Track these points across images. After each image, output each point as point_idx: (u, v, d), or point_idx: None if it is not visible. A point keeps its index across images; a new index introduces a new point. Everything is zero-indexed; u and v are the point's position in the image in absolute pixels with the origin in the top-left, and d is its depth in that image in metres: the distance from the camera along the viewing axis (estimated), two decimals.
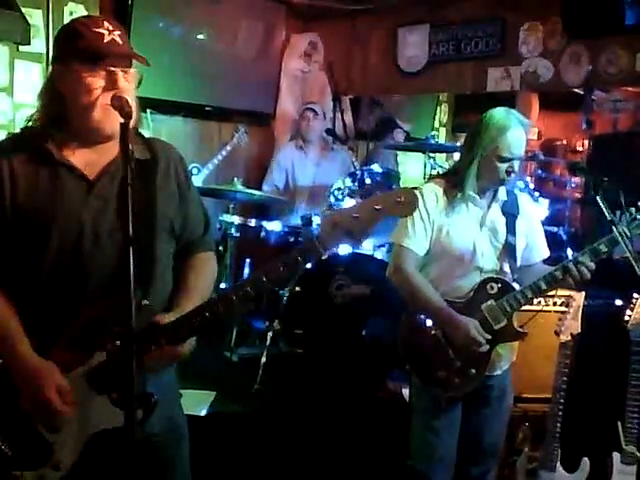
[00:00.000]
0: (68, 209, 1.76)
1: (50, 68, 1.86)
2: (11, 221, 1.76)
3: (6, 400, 1.74)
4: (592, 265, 2.59)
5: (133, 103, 1.75)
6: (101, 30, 1.74)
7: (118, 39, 1.76)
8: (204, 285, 1.97)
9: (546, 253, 2.88)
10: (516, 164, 2.67)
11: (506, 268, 2.75)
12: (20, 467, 1.73)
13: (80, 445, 1.74)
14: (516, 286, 2.72)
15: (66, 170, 1.78)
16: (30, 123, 1.85)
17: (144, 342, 1.68)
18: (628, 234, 2.58)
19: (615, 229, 2.57)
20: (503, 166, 2.65)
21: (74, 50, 1.74)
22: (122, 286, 1.56)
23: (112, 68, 1.74)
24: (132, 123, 1.73)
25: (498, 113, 2.68)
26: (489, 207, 2.75)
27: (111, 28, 1.76)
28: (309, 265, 4.11)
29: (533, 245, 2.84)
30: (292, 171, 5.40)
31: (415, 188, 2.92)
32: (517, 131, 2.64)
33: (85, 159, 1.80)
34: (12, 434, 1.74)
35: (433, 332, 2.69)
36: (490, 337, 2.63)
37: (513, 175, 2.69)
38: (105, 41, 1.73)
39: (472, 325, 2.61)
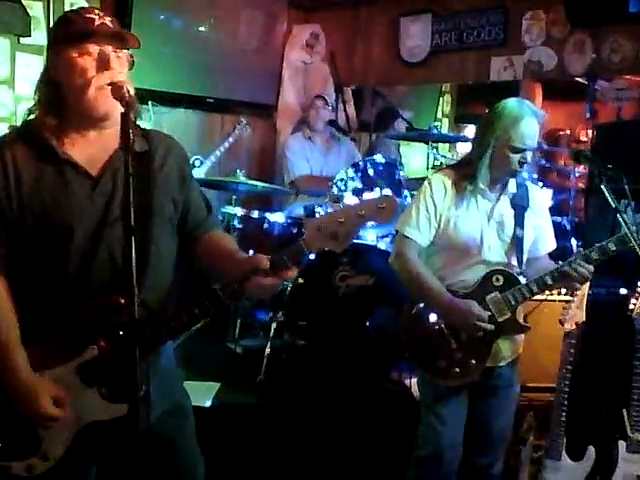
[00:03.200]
0: (74, 207, 1.77)
1: (45, 58, 1.86)
2: (17, 217, 1.76)
3: None
4: (591, 268, 2.57)
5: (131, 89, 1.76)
6: (91, 15, 1.76)
7: (108, 22, 1.77)
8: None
9: (552, 246, 2.86)
10: (529, 155, 2.64)
11: (513, 261, 2.73)
12: (9, 457, 1.76)
13: (70, 437, 1.78)
14: (522, 279, 2.71)
15: (70, 167, 1.78)
16: (31, 116, 1.84)
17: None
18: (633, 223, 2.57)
19: (620, 217, 2.56)
20: (516, 157, 2.62)
21: (65, 35, 1.76)
22: (121, 279, 1.59)
23: (102, 47, 1.74)
24: (133, 114, 1.74)
25: (511, 103, 2.65)
26: (498, 200, 2.73)
27: (102, 14, 1.77)
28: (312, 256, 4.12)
29: (540, 238, 2.82)
30: (309, 160, 5.36)
31: (424, 178, 2.92)
32: (530, 121, 2.61)
33: (86, 154, 1.80)
34: (3, 426, 1.77)
35: (436, 322, 2.69)
36: (493, 327, 2.62)
37: (525, 166, 2.67)
38: (95, 24, 1.75)
39: (472, 304, 2.61)
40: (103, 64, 1.73)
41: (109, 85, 1.72)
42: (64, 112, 1.79)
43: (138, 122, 1.85)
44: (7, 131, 2.04)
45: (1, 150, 1.78)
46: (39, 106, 1.82)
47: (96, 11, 1.78)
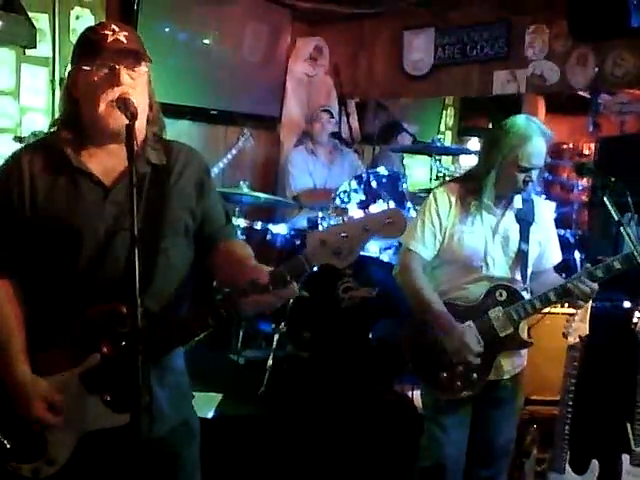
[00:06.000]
0: (85, 216, 1.79)
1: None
2: (29, 223, 1.80)
3: (7, 397, 1.78)
4: (595, 286, 2.57)
5: (143, 102, 1.81)
6: (106, 32, 1.78)
7: (122, 38, 1.77)
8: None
9: (558, 259, 2.86)
10: (534, 173, 2.65)
11: (517, 276, 2.73)
12: (17, 459, 1.78)
13: (73, 443, 1.78)
14: (526, 295, 2.70)
15: (84, 177, 1.81)
16: (52, 129, 1.89)
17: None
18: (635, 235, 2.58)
19: (623, 230, 2.56)
20: (521, 176, 2.62)
21: (80, 51, 1.81)
22: (126, 288, 1.58)
23: (112, 64, 1.75)
24: (154, 128, 1.89)
25: (520, 121, 2.65)
26: (503, 215, 2.73)
27: (117, 30, 1.78)
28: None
29: (545, 252, 2.82)
30: (312, 173, 5.38)
31: (427, 191, 2.93)
32: (539, 141, 2.61)
33: (103, 165, 1.83)
34: (12, 428, 1.79)
35: (438, 335, 2.68)
36: (478, 361, 2.62)
37: (530, 184, 2.67)
38: (108, 41, 1.76)
39: (469, 332, 2.60)
40: (113, 80, 1.75)
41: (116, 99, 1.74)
42: (81, 127, 1.83)
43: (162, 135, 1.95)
44: (13, 142, 2.07)
45: (19, 158, 1.84)
46: (59, 119, 1.87)
47: (113, 26, 1.79)
